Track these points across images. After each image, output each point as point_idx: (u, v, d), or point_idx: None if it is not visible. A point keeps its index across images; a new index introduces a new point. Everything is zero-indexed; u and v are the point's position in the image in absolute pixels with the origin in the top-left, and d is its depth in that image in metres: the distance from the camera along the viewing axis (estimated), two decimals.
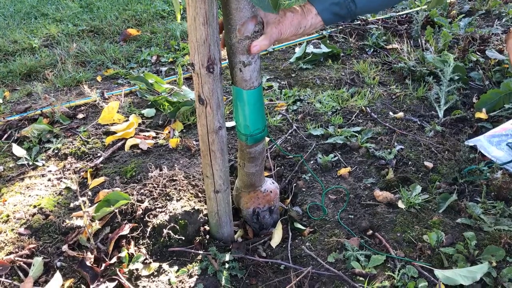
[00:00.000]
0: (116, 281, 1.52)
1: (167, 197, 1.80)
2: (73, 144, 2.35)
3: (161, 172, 1.94)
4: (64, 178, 2.10)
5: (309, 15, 1.25)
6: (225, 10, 1.25)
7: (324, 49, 3.23)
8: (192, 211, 1.72)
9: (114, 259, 1.60)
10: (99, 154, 2.25)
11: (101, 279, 1.54)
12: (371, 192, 1.90)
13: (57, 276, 1.54)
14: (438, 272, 1.42)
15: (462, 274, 1.39)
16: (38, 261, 1.60)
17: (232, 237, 1.72)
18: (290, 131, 2.37)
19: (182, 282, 1.51)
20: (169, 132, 2.40)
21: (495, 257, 1.49)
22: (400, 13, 3.91)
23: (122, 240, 1.68)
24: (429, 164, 2.02)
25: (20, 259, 1.64)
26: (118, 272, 1.54)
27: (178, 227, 1.67)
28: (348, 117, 2.47)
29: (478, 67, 2.84)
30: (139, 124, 2.50)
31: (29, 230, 1.79)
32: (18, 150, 2.30)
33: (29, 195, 1.99)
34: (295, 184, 2.01)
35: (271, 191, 1.75)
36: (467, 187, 1.89)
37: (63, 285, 1.53)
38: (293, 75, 3.05)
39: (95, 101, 2.77)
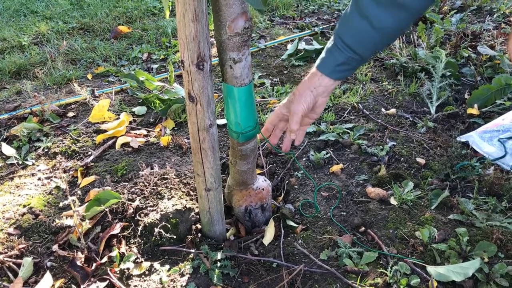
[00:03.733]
0: (107, 281, 1.51)
1: (158, 195, 1.78)
2: (63, 143, 2.33)
3: (152, 170, 1.93)
4: (54, 177, 2.08)
5: (323, 82, 1.27)
6: (214, 6, 1.23)
7: (316, 45, 3.22)
8: (183, 209, 1.70)
9: (105, 259, 1.58)
10: (89, 153, 2.23)
11: (92, 279, 1.52)
12: (363, 189, 1.89)
13: (47, 276, 1.52)
14: (430, 269, 1.42)
15: (455, 270, 1.39)
16: (27, 261, 1.58)
17: (224, 235, 1.71)
18: None
19: (174, 281, 1.50)
20: (160, 130, 2.38)
21: (487, 252, 1.49)
22: None
23: (113, 240, 1.67)
24: (421, 160, 2.02)
25: (9, 259, 1.62)
26: (109, 272, 1.52)
27: (169, 225, 1.65)
28: (340, 114, 2.46)
29: (469, 63, 2.84)
30: (130, 122, 2.48)
31: (19, 230, 1.77)
32: (7, 149, 2.27)
33: (19, 195, 1.97)
34: (287, 182, 2.00)
35: (263, 189, 1.74)
36: (459, 183, 1.89)
37: (53, 285, 1.51)
38: (285, 72, 3.04)
39: (86, 99, 2.74)
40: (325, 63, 1.24)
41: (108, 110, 2.54)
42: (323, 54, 1.25)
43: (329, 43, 1.24)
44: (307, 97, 1.28)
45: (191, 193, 1.86)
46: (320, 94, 1.29)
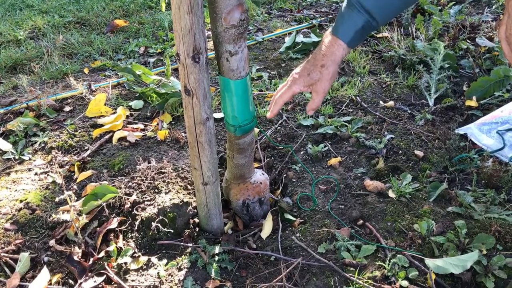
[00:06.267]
0: (105, 276, 1.50)
1: (156, 190, 1.77)
2: (60, 138, 2.32)
3: (149, 164, 1.92)
4: (51, 172, 2.07)
5: (339, 50, 1.21)
6: None
7: (314, 38, 3.20)
8: (181, 203, 1.70)
9: (102, 253, 1.57)
10: (86, 147, 2.22)
11: (89, 274, 1.51)
12: (362, 182, 1.89)
13: (44, 271, 1.52)
14: (429, 261, 1.42)
15: (453, 263, 1.39)
16: (24, 256, 1.58)
17: (222, 229, 1.71)
18: (280, 121, 2.35)
19: (171, 275, 1.50)
20: (157, 124, 2.37)
21: (486, 245, 1.48)
22: None
23: (110, 234, 1.66)
24: (420, 153, 2.01)
25: (6, 255, 1.61)
26: (107, 266, 1.52)
27: (167, 220, 1.65)
28: (338, 107, 2.45)
29: (468, 55, 2.83)
30: (127, 116, 2.47)
31: (15, 225, 1.76)
32: (3, 144, 2.26)
33: (15, 190, 1.96)
34: (285, 175, 2.00)
35: (261, 182, 1.74)
36: (457, 176, 1.89)
37: (50, 280, 1.51)
38: (283, 65, 3.02)
39: (82, 93, 2.72)
40: (345, 29, 1.17)
41: (105, 104, 2.52)
42: (339, 21, 1.18)
43: (344, 9, 1.18)
44: (330, 69, 1.20)
45: (189, 187, 1.85)
46: (339, 64, 1.20)
